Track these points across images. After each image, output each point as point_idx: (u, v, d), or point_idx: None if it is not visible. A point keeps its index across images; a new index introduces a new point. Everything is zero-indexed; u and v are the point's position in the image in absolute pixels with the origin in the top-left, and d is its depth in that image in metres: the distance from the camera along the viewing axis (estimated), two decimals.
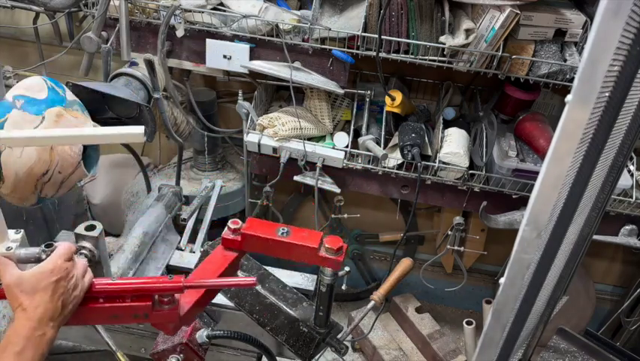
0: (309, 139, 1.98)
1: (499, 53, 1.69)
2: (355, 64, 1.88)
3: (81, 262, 1.02)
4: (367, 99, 2.02)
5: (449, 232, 2.18)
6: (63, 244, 0.99)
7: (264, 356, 1.39)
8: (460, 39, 1.68)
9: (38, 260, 0.99)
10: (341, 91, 1.91)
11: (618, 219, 1.91)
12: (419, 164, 1.83)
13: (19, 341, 0.85)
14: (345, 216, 2.28)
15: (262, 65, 1.86)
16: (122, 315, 0.99)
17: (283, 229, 1.10)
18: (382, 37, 1.73)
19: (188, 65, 1.97)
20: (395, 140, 1.96)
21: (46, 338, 0.89)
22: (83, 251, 1.34)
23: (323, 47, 1.81)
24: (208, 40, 1.86)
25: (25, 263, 1.01)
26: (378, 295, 1.51)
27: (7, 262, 0.96)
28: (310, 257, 1.11)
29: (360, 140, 1.93)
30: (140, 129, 0.91)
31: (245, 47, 1.85)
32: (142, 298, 0.97)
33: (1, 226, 1.01)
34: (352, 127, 2.03)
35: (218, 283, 1.05)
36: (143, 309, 0.98)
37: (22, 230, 1.05)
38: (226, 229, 1.12)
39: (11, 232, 1.04)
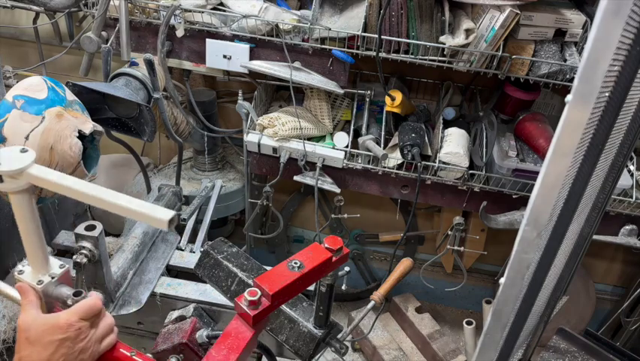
0: (309, 139, 1.98)
1: (499, 53, 1.69)
2: (355, 64, 1.88)
3: (106, 322, 0.90)
4: (367, 99, 2.02)
5: (449, 232, 2.18)
6: (89, 300, 0.87)
7: (264, 356, 1.39)
8: (460, 39, 1.68)
9: (64, 305, 0.90)
10: (341, 91, 1.91)
11: (618, 219, 1.91)
12: (419, 164, 1.83)
13: None
14: (345, 216, 2.28)
15: (262, 65, 1.86)
16: None
17: (294, 263, 0.99)
18: (382, 37, 1.73)
19: (188, 65, 1.97)
20: (395, 140, 1.96)
21: None
22: (83, 251, 1.34)
23: (323, 47, 1.81)
24: (208, 40, 1.86)
25: (52, 301, 0.91)
26: (378, 295, 1.51)
27: (30, 298, 0.86)
28: (328, 268, 1.06)
29: (360, 140, 1.93)
30: (166, 217, 0.79)
31: (245, 47, 1.85)
32: None
33: (43, 252, 0.89)
34: (352, 127, 2.03)
35: None
36: None
37: (68, 266, 0.92)
38: (246, 307, 0.91)
39: (55, 263, 0.92)
